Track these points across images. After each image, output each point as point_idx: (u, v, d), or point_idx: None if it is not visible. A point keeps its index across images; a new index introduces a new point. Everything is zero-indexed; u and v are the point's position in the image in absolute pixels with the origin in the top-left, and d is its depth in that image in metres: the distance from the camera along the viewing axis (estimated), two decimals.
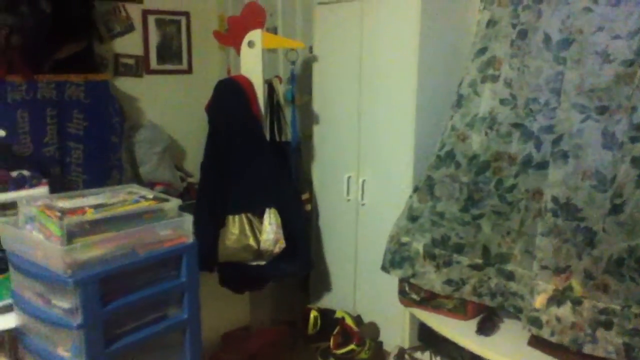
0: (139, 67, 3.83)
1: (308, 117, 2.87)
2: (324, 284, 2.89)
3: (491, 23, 2.00)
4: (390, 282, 2.28)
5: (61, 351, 1.59)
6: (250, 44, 2.60)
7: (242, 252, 2.51)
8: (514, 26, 1.93)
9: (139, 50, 3.82)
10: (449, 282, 2.00)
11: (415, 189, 2.13)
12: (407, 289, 2.13)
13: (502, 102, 1.94)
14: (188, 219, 1.81)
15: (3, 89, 3.06)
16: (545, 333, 1.70)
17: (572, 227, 1.70)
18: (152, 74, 3.88)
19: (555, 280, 1.70)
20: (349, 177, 2.62)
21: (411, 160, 2.27)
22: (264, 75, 2.63)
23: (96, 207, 1.66)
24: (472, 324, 1.98)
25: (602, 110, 1.70)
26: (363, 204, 2.57)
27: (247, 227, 2.52)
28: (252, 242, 2.49)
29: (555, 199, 1.74)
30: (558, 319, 1.68)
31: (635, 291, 1.56)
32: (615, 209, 1.61)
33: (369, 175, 2.52)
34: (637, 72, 1.62)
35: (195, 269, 1.82)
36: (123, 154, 3.53)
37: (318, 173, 2.86)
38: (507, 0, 1.96)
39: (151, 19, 3.83)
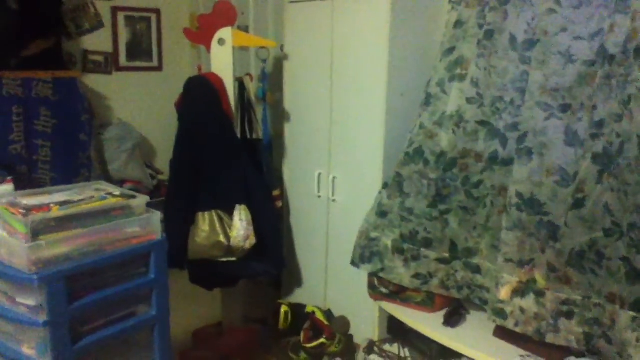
0: (109, 64, 3.78)
1: (279, 115, 2.88)
2: (295, 280, 2.91)
3: (459, 24, 2.04)
4: (360, 276, 2.31)
5: (26, 349, 1.56)
6: (221, 42, 2.60)
7: (213, 249, 2.51)
8: (480, 27, 1.98)
9: (108, 47, 3.77)
10: (417, 275, 2.04)
11: (385, 186, 2.16)
12: (376, 283, 2.16)
13: (469, 100, 1.98)
14: (156, 216, 1.80)
15: None
16: (509, 324, 1.74)
17: (535, 221, 1.75)
18: (121, 71, 3.83)
19: (520, 273, 1.75)
20: (319, 174, 2.64)
21: (381, 157, 2.29)
22: (235, 73, 2.63)
23: (62, 204, 1.64)
24: (440, 316, 2.02)
25: (565, 108, 1.75)
26: (334, 201, 2.59)
27: (217, 224, 2.52)
28: (222, 238, 2.49)
29: (519, 195, 1.79)
30: (522, 310, 1.73)
31: (595, 283, 1.62)
32: (577, 204, 1.67)
33: (339, 172, 2.54)
34: (598, 73, 1.67)
35: (164, 266, 1.82)
36: (92, 152, 3.48)
37: (289, 170, 2.87)
38: (474, 2, 2.00)
39: (121, 16, 3.78)
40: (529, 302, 1.71)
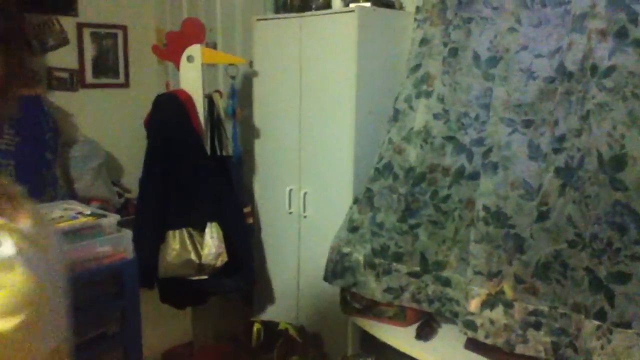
0: (74, 81, 3.73)
1: (249, 131, 2.89)
2: (267, 297, 2.90)
3: (424, 41, 2.09)
4: (333, 292, 2.32)
5: None
6: (190, 59, 2.61)
7: (184, 267, 2.49)
8: (445, 44, 2.03)
9: (73, 64, 3.72)
10: (388, 290, 2.06)
11: (355, 201, 2.18)
12: (348, 298, 2.18)
13: (436, 116, 2.03)
14: (127, 235, 1.79)
15: None
16: (480, 336, 1.78)
17: (502, 234, 1.80)
18: (87, 88, 3.78)
19: (488, 285, 1.79)
20: (290, 190, 2.65)
21: (351, 172, 2.32)
22: (204, 89, 2.64)
23: None
24: (412, 330, 2.04)
25: (528, 124, 1.81)
26: (305, 217, 2.60)
27: (188, 241, 2.50)
28: (193, 256, 2.47)
29: (486, 208, 1.83)
30: (491, 322, 1.76)
31: (561, 293, 1.66)
32: (542, 216, 1.72)
33: (310, 188, 2.56)
34: (558, 89, 1.74)
35: (135, 285, 1.80)
36: (57, 170, 3.42)
37: (260, 186, 2.87)
38: (438, 20, 2.06)
39: (86, 32, 3.74)
40: (498, 314, 1.75)
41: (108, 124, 3.81)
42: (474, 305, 1.79)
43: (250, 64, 2.82)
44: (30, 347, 0.80)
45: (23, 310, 0.76)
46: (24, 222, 0.88)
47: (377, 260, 2.08)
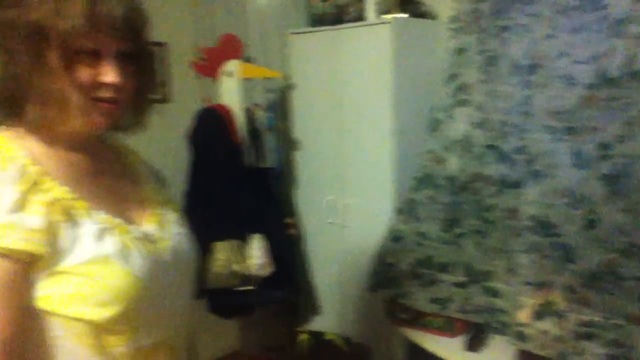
0: None
1: (288, 143, 2.92)
2: (312, 307, 2.93)
3: (460, 50, 2.09)
4: (378, 302, 2.34)
5: None
6: (228, 74, 2.66)
7: (230, 278, 2.54)
8: (481, 53, 2.03)
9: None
10: (435, 300, 2.07)
11: (398, 211, 2.20)
12: (394, 308, 2.19)
13: (475, 125, 2.03)
14: None
15: None
16: (531, 347, 1.77)
17: (549, 243, 1.79)
18: None
19: (538, 295, 1.78)
20: (331, 201, 2.68)
21: (392, 182, 2.33)
22: (242, 103, 2.68)
23: None
24: (460, 341, 2.04)
25: (570, 131, 1.80)
26: (346, 227, 2.62)
27: (233, 253, 2.55)
28: (239, 267, 2.53)
29: (532, 217, 1.83)
30: (543, 333, 1.75)
31: (613, 303, 1.65)
32: (589, 225, 1.70)
33: (351, 199, 2.58)
34: (599, 95, 1.72)
35: None
36: None
37: (301, 197, 2.91)
38: (473, 29, 2.06)
39: None
40: (549, 324, 1.74)
41: (148, 139, 3.87)
42: (524, 315, 1.79)
43: (287, 77, 2.86)
44: (129, 337, 0.87)
45: (117, 303, 0.83)
46: (145, 225, 0.95)
47: (421, 271, 2.10)
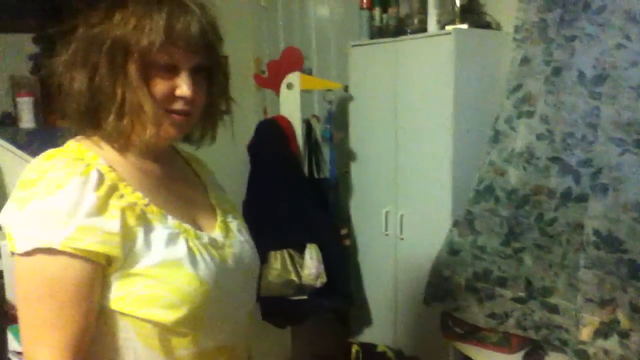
0: None
1: (345, 154, 2.94)
2: (364, 318, 2.91)
3: (524, 61, 2.06)
4: (432, 315, 2.30)
5: None
6: (289, 86, 2.72)
7: (284, 287, 2.57)
8: (547, 63, 1.99)
9: None
10: (492, 315, 2.02)
11: (455, 223, 2.16)
12: (449, 322, 2.15)
13: (539, 137, 1.98)
14: None
15: (55, 135, 3.22)
16: None
17: (615, 259, 1.72)
18: None
19: (601, 313, 1.71)
20: (386, 212, 2.67)
21: (449, 194, 2.30)
22: (301, 115, 2.73)
23: None
24: (517, 357, 1.98)
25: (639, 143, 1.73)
26: (402, 239, 2.61)
27: (288, 262, 2.58)
28: (293, 277, 2.55)
29: (596, 232, 1.76)
30: (605, 352, 1.68)
31: None
32: None
33: (407, 210, 2.56)
34: None
35: None
36: None
37: (356, 208, 2.91)
38: (539, 39, 2.02)
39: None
40: (613, 344, 1.67)
41: (212, 148, 4.00)
42: (585, 333, 1.72)
43: (346, 88, 2.89)
44: (193, 340, 0.90)
45: (184, 306, 0.87)
46: (212, 231, 1.00)
47: (479, 285, 2.05)
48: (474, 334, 2.08)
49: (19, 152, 2.39)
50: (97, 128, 0.92)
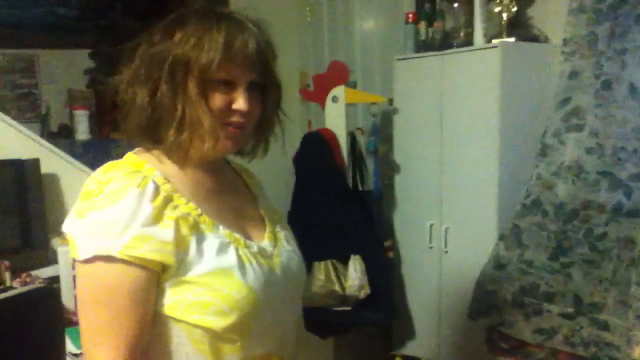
0: None
1: (389, 167, 2.96)
2: (407, 331, 2.90)
3: (573, 74, 2.04)
4: (476, 330, 2.28)
5: None
6: (334, 99, 2.75)
7: (328, 297, 2.59)
8: (597, 77, 1.97)
9: None
10: (539, 330, 2.00)
11: (502, 237, 2.15)
12: (495, 337, 2.13)
13: (589, 151, 1.96)
14: None
15: (108, 146, 3.36)
16: None
17: None
18: None
19: None
20: (431, 225, 2.67)
21: (495, 208, 2.29)
22: (346, 127, 2.76)
23: None
24: None
25: None
26: (446, 252, 2.59)
27: (332, 273, 2.60)
28: (337, 288, 2.57)
29: None
30: None
31: None
32: None
33: (451, 223, 2.56)
34: None
35: None
36: None
37: (400, 221, 2.92)
38: (589, 52, 2.00)
39: None
40: None
41: (259, 160, 4.07)
42: (638, 352, 1.68)
43: (390, 101, 2.91)
44: (241, 346, 0.93)
45: (233, 313, 0.90)
46: (261, 241, 1.04)
47: (526, 300, 2.03)
48: (520, 350, 2.05)
49: (76, 162, 2.50)
50: (157, 142, 0.96)
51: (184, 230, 0.89)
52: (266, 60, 0.97)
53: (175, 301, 0.88)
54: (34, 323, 1.40)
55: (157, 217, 0.87)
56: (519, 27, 2.29)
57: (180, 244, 0.88)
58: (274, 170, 4.19)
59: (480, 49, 2.35)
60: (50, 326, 1.45)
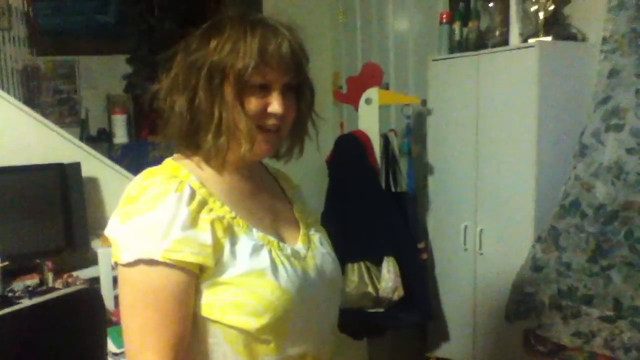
0: None
1: (422, 168, 2.94)
2: (442, 333, 2.89)
3: (613, 73, 2.00)
4: (511, 332, 2.25)
5: None
6: (368, 101, 2.75)
7: (362, 299, 2.59)
8: (638, 75, 1.93)
9: None
10: (577, 334, 1.96)
11: (539, 239, 2.12)
12: (532, 340, 2.10)
13: (629, 151, 1.91)
14: None
15: (145, 149, 3.44)
16: None
17: None
18: None
19: None
20: (465, 226, 2.64)
21: (532, 209, 2.25)
22: (380, 129, 2.76)
23: None
24: None
25: None
26: (481, 254, 2.57)
27: (366, 274, 2.61)
28: (371, 289, 2.57)
29: None
30: None
31: None
32: None
33: (486, 225, 2.53)
34: None
35: None
36: None
37: (434, 222, 2.90)
38: (630, 50, 1.96)
39: None
40: None
41: (293, 162, 4.10)
42: None
43: (424, 102, 2.89)
44: (276, 347, 0.95)
45: (266, 314, 0.92)
46: (295, 243, 1.06)
47: (564, 302, 2.00)
48: (557, 353, 2.02)
49: (115, 165, 2.57)
50: (196, 148, 0.98)
51: (219, 232, 0.91)
52: (299, 63, 0.98)
53: (212, 302, 0.90)
54: (78, 323, 1.44)
55: (194, 220, 0.89)
56: (556, 26, 2.25)
57: (216, 246, 0.90)
58: (307, 171, 4.22)
59: (517, 48, 2.32)
60: (93, 326, 1.49)
